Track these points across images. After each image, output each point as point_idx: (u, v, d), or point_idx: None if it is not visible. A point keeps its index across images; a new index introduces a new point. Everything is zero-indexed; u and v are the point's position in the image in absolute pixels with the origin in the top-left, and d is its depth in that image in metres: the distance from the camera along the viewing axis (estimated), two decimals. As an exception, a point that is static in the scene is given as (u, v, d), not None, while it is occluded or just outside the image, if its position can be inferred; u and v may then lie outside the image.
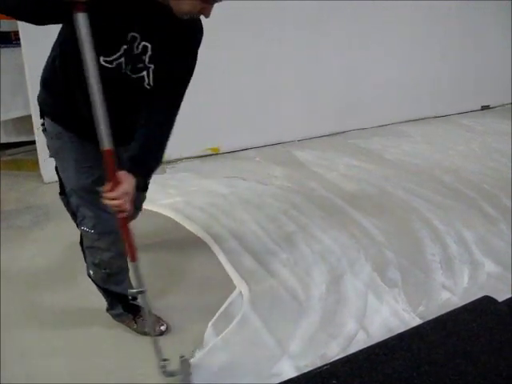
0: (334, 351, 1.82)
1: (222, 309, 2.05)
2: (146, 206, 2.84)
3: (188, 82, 1.62)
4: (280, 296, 2.15)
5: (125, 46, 1.43)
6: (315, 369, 1.68)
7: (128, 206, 1.41)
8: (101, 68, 1.35)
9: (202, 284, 2.24)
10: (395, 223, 2.81)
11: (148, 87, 1.54)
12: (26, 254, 2.42)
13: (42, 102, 1.67)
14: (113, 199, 1.38)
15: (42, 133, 1.74)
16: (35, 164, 3.29)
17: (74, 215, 1.81)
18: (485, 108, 5.53)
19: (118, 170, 1.40)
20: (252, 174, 3.48)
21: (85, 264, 1.85)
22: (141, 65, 1.48)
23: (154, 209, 2.89)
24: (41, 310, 2.03)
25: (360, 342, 1.86)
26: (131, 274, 1.65)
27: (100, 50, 1.37)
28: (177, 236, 2.64)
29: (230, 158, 3.83)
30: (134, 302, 1.90)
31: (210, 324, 1.95)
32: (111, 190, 1.38)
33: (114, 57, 1.44)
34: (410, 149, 4.14)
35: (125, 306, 1.89)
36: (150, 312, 1.67)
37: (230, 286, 2.21)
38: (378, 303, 2.10)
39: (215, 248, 2.51)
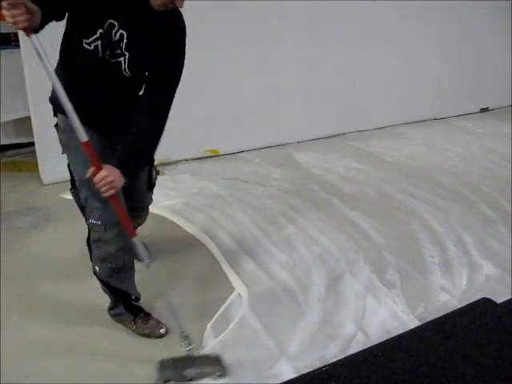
0: (333, 352, 1.82)
1: (220, 310, 2.05)
2: (145, 207, 2.87)
3: (175, 78, 1.70)
4: (279, 297, 2.15)
5: (101, 30, 1.55)
6: (314, 370, 1.68)
7: (115, 183, 1.56)
8: (84, 51, 1.57)
9: (201, 285, 2.24)
10: (394, 225, 2.81)
11: (126, 74, 1.64)
12: (25, 255, 2.42)
13: (54, 99, 1.73)
14: (100, 180, 1.54)
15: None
16: (35, 165, 3.28)
17: (82, 209, 1.87)
18: (484, 110, 5.55)
19: (98, 160, 1.56)
20: (251, 176, 3.48)
21: (88, 264, 1.86)
22: (118, 51, 1.60)
23: (154, 211, 2.89)
24: (41, 311, 2.03)
25: (359, 344, 1.86)
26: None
27: (81, 32, 1.57)
28: (176, 238, 2.64)
29: (230, 160, 3.84)
30: (136, 303, 1.92)
31: (208, 325, 1.95)
32: (95, 173, 1.55)
33: (92, 39, 1.56)
34: (409, 151, 4.15)
35: (127, 306, 1.90)
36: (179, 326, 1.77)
37: (229, 288, 2.21)
38: (377, 305, 2.10)
39: (214, 250, 2.51)
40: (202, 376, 1.68)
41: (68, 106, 1.52)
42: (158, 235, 2.63)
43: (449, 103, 5.21)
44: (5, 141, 3.67)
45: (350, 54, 4.33)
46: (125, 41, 1.57)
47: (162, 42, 1.62)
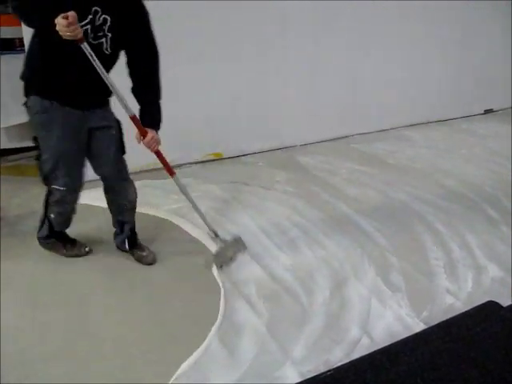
0: (338, 356, 1.82)
1: (224, 313, 2.04)
2: (149, 211, 2.88)
3: (153, 47, 2.05)
4: (283, 301, 2.14)
5: (90, 16, 1.83)
6: (319, 374, 1.67)
7: (158, 139, 2.09)
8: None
9: (205, 288, 2.23)
10: (398, 227, 2.80)
11: (107, 52, 1.95)
12: (28, 259, 2.42)
13: (27, 80, 2.02)
14: (149, 141, 2.07)
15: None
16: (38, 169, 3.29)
17: (45, 178, 2.18)
18: (488, 112, 5.53)
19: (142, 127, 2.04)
20: (255, 179, 3.48)
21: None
22: (101, 33, 1.89)
23: (158, 214, 2.90)
24: (41, 313, 2.03)
25: (364, 348, 1.85)
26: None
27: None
28: (180, 241, 2.64)
29: (233, 163, 3.84)
30: (71, 237, 2.45)
31: (212, 328, 1.95)
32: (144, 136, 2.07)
33: (83, 23, 1.80)
34: (412, 153, 4.14)
35: (60, 239, 2.40)
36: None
37: (233, 291, 2.20)
38: (382, 308, 2.10)
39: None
40: (237, 253, 2.42)
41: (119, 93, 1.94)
42: (162, 239, 2.63)
43: (452, 105, 5.19)
44: (8, 145, 3.68)
45: (353, 57, 4.33)
46: (108, 24, 1.88)
47: (135, 20, 1.96)
